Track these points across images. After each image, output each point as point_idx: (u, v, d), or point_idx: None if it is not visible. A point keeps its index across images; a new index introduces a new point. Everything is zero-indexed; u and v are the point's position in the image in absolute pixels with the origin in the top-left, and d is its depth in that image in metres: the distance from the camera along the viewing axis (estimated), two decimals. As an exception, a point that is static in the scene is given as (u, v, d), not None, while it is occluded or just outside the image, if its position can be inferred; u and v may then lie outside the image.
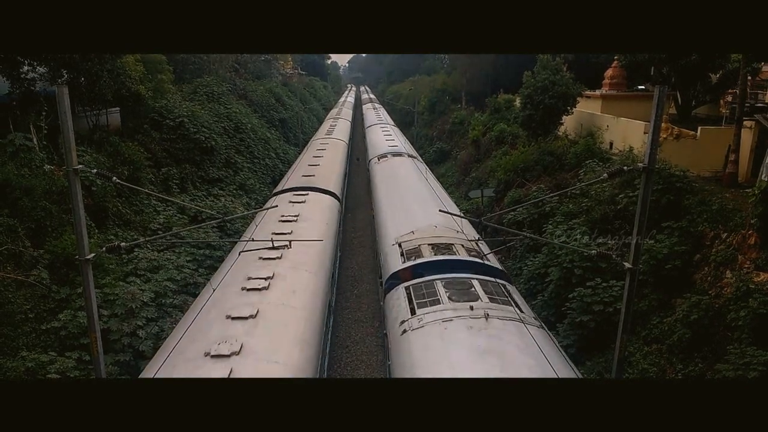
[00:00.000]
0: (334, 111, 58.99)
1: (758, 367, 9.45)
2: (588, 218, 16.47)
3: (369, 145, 35.58)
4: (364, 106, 67.34)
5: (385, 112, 57.88)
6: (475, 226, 15.26)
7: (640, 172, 7.38)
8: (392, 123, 47.01)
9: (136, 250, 16.29)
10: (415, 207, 16.96)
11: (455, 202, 21.90)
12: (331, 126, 40.81)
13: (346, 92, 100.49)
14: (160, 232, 18.36)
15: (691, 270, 13.01)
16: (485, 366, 7.95)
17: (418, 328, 9.51)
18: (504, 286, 11.05)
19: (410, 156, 27.56)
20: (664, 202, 14.26)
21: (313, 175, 21.47)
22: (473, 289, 10.45)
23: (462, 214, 16.45)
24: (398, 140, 32.93)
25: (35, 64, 17.24)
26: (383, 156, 27.42)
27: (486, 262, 12.12)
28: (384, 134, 35.63)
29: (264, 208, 17.70)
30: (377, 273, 17.06)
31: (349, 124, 48.02)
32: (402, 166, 24.40)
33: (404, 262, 12.46)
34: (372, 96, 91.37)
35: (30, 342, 11.60)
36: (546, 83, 25.09)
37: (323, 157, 26.01)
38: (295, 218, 15.55)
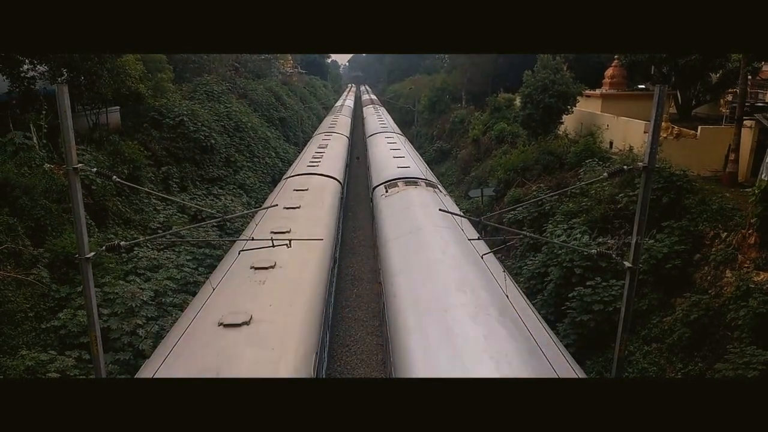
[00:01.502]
0: (328, 119, 46.78)
1: (758, 367, 9.46)
2: (588, 217, 16.48)
3: (372, 163, 27.15)
4: (365, 108, 64.49)
5: (389, 116, 52.79)
6: (475, 225, 15.22)
7: (640, 171, 7.39)
8: (398, 131, 39.52)
9: (136, 249, 16.30)
10: (462, 315, 9.29)
11: (455, 202, 21.80)
12: (319, 148, 28.66)
13: (345, 93, 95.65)
14: (160, 231, 18.38)
15: (691, 269, 13.02)
16: None
17: None
18: None
19: (429, 184, 19.52)
20: (664, 202, 14.27)
21: (247, 323, 8.80)
22: None
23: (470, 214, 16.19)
24: (409, 156, 25.43)
25: (35, 62, 17.26)
26: (392, 184, 19.68)
27: None
28: (390, 147, 28.37)
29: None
30: None
31: (347, 140, 35.95)
32: (423, 211, 15.84)
33: None
34: (373, 96, 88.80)
35: (30, 341, 11.61)
36: (546, 82, 25.11)
37: (288, 253, 10.98)
38: None
